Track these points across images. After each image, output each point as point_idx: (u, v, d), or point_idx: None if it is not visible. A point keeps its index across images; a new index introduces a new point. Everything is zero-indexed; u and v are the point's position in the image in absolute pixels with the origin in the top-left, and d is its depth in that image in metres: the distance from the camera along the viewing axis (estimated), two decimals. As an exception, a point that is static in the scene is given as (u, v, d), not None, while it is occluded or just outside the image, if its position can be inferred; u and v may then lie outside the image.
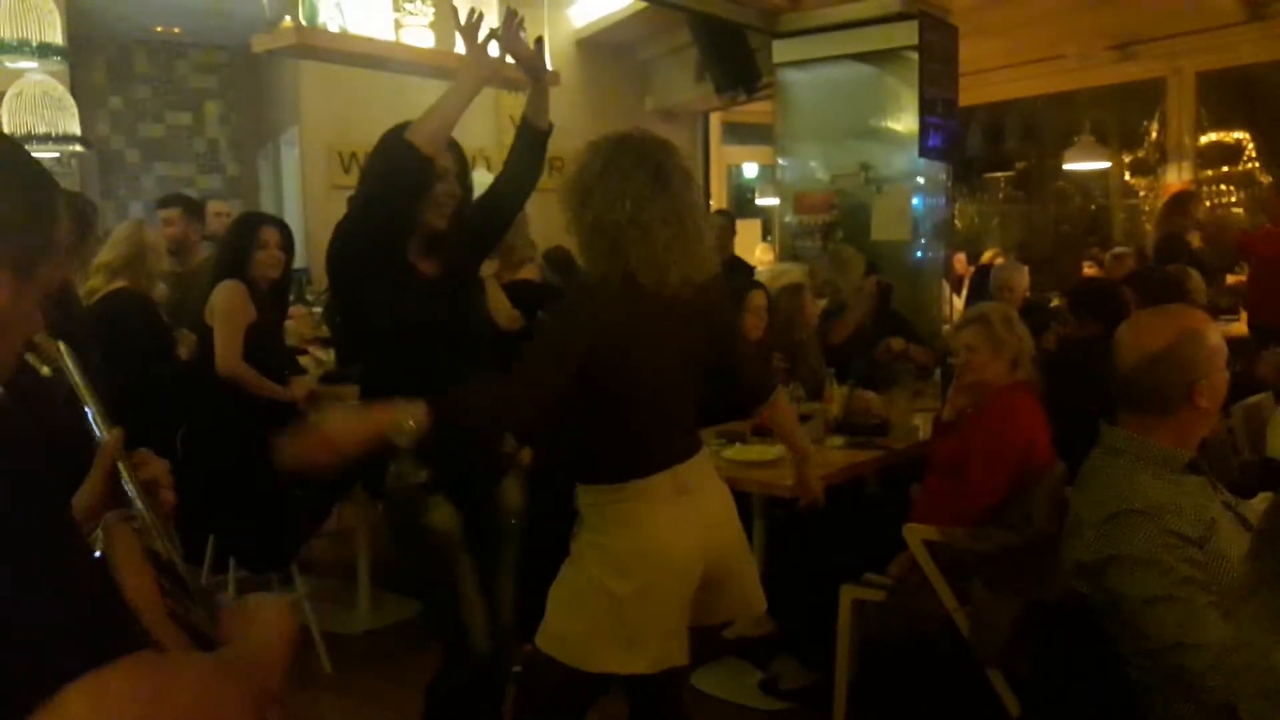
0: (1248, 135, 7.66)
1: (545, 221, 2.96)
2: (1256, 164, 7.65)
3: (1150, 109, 7.77)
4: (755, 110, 7.48)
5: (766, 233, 9.15)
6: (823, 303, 4.83)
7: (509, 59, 2.41)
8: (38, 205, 0.93)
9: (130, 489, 1.17)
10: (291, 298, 4.50)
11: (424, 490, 2.29)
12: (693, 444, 2.15)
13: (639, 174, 1.98)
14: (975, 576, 2.70)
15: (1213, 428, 2.12)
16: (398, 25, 3.97)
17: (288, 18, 3.60)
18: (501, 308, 3.68)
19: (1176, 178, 7.47)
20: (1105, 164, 7.95)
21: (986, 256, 7.66)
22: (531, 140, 2.47)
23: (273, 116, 7.99)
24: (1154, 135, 7.85)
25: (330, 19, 3.70)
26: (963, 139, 7.55)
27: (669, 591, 2.05)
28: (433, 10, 4.01)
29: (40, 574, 0.78)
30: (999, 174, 9.36)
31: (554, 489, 2.26)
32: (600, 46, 7.57)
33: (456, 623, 2.33)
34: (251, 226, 3.61)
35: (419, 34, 4.01)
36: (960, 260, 7.51)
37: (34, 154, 1.02)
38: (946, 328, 5.09)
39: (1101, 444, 1.98)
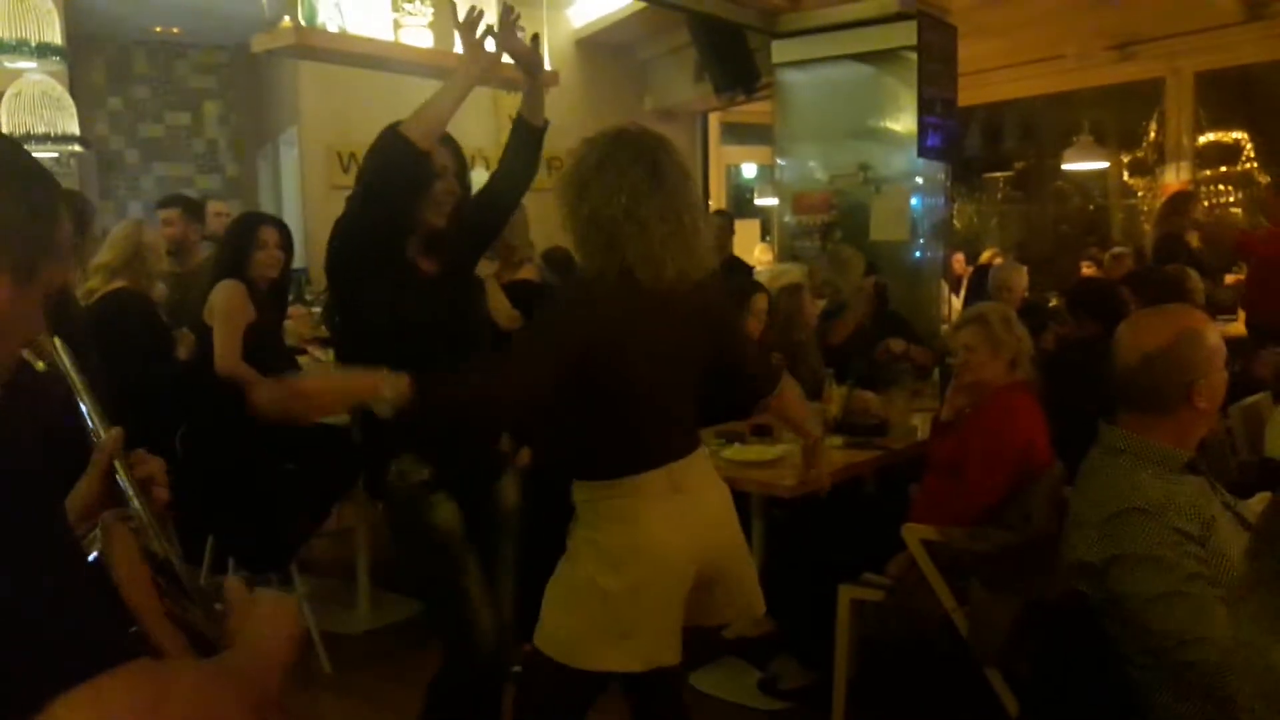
0: (1246, 135, 7.66)
1: (544, 221, 2.95)
2: (1255, 164, 7.64)
3: (1149, 109, 7.76)
4: (754, 110, 7.47)
5: (765, 233, 9.14)
6: (822, 303, 4.83)
7: (505, 56, 2.40)
8: (38, 206, 0.93)
9: (127, 488, 1.16)
10: (291, 297, 4.50)
11: (425, 489, 2.29)
12: (691, 442, 2.13)
13: (635, 169, 1.97)
14: (974, 576, 2.71)
15: (1211, 428, 2.12)
16: (397, 25, 3.97)
17: (287, 18, 3.61)
18: (501, 308, 3.68)
19: (1175, 178, 7.46)
20: (1104, 164, 7.95)
21: (985, 256, 7.66)
22: (526, 137, 2.46)
23: (272, 116, 7.98)
24: (1153, 135, 7.85)
25: (329, 19, 3.71)
26: (961, 139, 7.54)
27: (662, 588, 2.04)
28: (432, 10, 4.02)
29: (38, 578, 0.78)
30: (998, 174, 9.35)
31: (553, 487, 2.25)
32: (599, 46, 7.57)
33: (459, 621, 2.32)
34: (250, 226, 3.61)
35: (418, 34, 4.02)
36: (959, 260, 7.51)
37: (33, 154, 1.01)
38: (945, 328, 5.08)
39: (1100, 443, 1.98)
